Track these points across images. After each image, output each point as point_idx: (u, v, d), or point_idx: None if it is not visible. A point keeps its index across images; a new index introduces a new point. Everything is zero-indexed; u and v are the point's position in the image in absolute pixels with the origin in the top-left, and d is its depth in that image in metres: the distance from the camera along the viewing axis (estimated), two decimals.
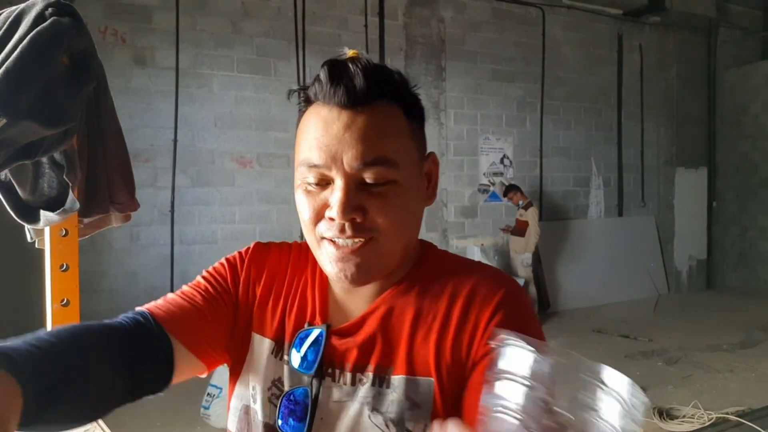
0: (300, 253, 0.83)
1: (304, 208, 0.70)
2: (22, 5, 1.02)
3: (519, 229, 6.28)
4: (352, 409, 0.70)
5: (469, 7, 6.70)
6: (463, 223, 6.71)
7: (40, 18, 0.99)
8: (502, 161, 6.95)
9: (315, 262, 0.79)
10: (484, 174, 6.84)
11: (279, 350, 0.77)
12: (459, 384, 0.67)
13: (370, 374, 0.70)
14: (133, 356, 0.72)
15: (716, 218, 8.50)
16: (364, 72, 0.67)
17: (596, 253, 7.34)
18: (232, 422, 0.80)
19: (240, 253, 0.84)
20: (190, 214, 5.34)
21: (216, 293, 0.81)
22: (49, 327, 1.24)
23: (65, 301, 1.24)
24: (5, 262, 3.71)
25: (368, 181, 0.67)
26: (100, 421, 1.16)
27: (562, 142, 7.34)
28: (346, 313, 0.76)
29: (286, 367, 0.75)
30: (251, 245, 0.85)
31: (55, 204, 1.12)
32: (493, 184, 6.88)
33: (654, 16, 7.65)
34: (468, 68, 6.64)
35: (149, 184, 5.08)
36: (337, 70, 0.68)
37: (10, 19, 1.00)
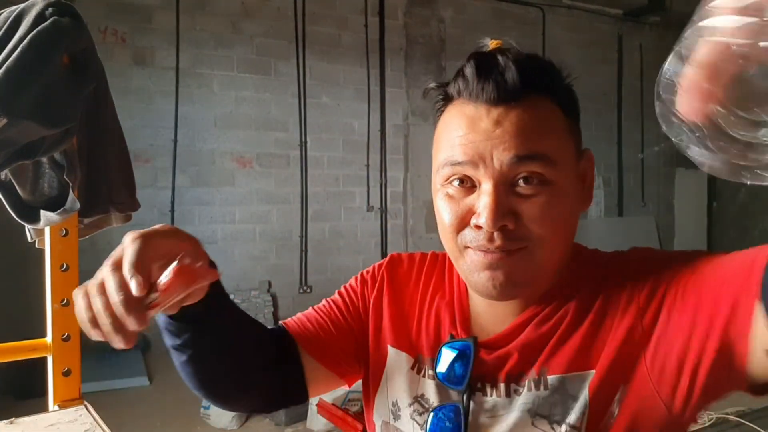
0: (435, 263, 0.80)
1: (446, 214, 0.63)
2: (22, 5, 1.02)
3: None
4: (511, 419, 0.65)
5: (469, 7, 6.70)
6: None
7: (40, 18, 0.99)
8: None
9: (452, 273, 0.76)
10: None
11: (419, 365, 0.73)
12: (623, 371, 0.60)
13: (525, 382, 0.66)
14: (278, 358, 0.75)
15: (716, 218, 8.50)
16: (516, 64, 0.61)
17: None
18: None
19: (375, 266, 0.84)
20: (190, 214, 5.34)
21: (346, 307, 0.81)
22: (49, 327, 1.24)
23: (65, 301, 1.24)
24: (5, 262, 3.71)
25: (521, 182, 0.60)
26: (100, 421, 1.16)
27: None
28: (490, 325, 0.71)
29: (431, 383, 0.71)
30: (387, 258, 0.84)
31: (55, 204, 1.12)
32: None
33: (654, 16, 7.65)
34: None
35: (149, 184, 5.08)
36: (485, 64, 0.62)
37: (10, 19, 1.00)
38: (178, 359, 0.71)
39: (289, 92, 5.69)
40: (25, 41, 0.95)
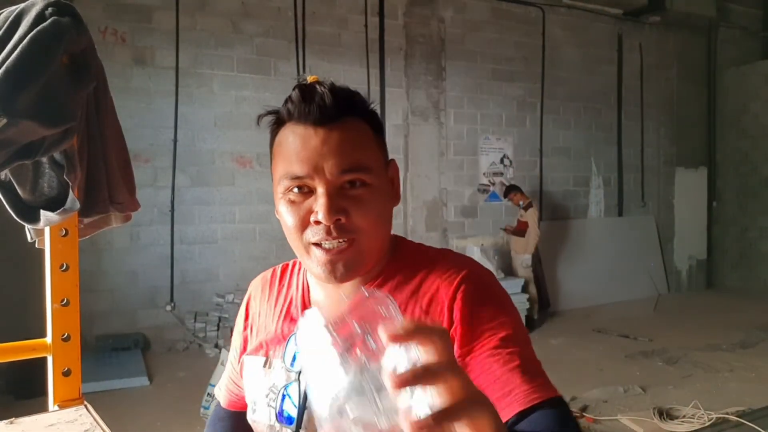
0: (286, 269, 0.94)
1: (289, 217, 0.76)
2: (22, 5, 1.02)
3: (519, 230, 6.28)
4: None
5: (469, 7, 6.70)
6: (463, 222, 6.71)
7: (40, 18, 0.99)
8: (502, 161, 6.95)
9: (293, 276, 0.90)
10: (484, 174, 6.84)
11: (269, 361, 0.84)
12: None
13: None
14: None
15: (716, 218, 8.50)
16: (331, 92, 0.75)
17: (596, 253, 7.34)
18: None
19: (240, 310, 0.97)
20: (190, 214, 5.34)
21: (237, 349, 0.95)
22: (49, 327, 1.24)
23: (65, 301, 1.24)
24: (5, 262, 3.71)
25: (348, 186, 0.74)
26: (100, 421, 1.16)
27: (562, 142, 7.34)
28: (329, 310, 0.79)
29: (280, 372, 0.82)
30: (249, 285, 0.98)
31: (55, 204, 1.12)
32: (493, 184, 6.88)
33: (654, 16, 7.64)
34: (468, 68, 6.64)
35: (149, 184, 5.08)
36: (307, 91, 0.76)
37: (10, 19, 1.00)
38: None
39: (289, 92, 5.68)
40: (25, 41, 0.95)
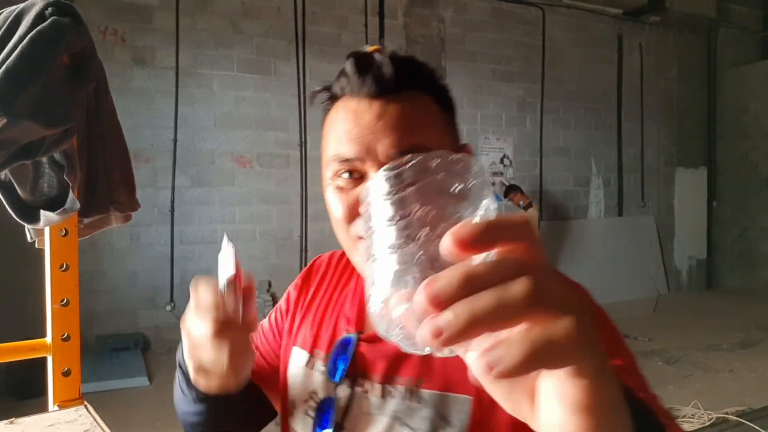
0: (340, 262, 0.83)
1: (336, 206, 0.65)
2: (21, 5, 1.02)
3: None
4: (381, 423, 0.65)
5: (469, 7, 6.70)
6: None
7: (40, 18, 0.99)
8: (502, 161, 6.95)
9: (352, 271, 0.79)
10: None
11: (312, 360, 0.75)
12: None
13: (400, 387, 0.65)
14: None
15: (716, 218, 8.50)
16: (391, 61, 0.64)
17: (596, 253, 7.33)
18: None
19: (295, 282, 0.88)
20: (190, 214, 5.34)
21: (272, 328, 0.87)
22: (49, 327, 1.24)
23: (65, 301, 1.24)
24: (5, 262, 3.71)
25: None
26: (100, 421, 1.16)
27: (562, 142, 7.33)
28: None
29: (320, 378, 0.72)
30: (309, 263, 0.88)
31: (55, 204, 1.12)
32: (493, 184, 6.88)
33: (654, 16, 7.64)
34: (468, 68, 6.64)
35: (149, 184, 5.08)
36: (363, 61, 0.66)
37: (9, 19, 1.00)
38: (188, 418, 0.77)
39: (289, 92, 5.69)
40: (25, 41, 0.95)
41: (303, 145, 5.72)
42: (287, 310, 0.85)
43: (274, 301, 5.57)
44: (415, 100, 0.64)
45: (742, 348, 5.25)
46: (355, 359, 0.68)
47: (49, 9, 0.99)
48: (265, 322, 0.87)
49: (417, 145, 0.61)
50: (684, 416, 3.47)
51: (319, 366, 0.73)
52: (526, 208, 6.21)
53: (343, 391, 0.68)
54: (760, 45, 8.73)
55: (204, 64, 5.37)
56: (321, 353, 0.74)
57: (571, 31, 7.30)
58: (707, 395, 3.92)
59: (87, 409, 1.22)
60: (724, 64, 8.32)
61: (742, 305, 7.05)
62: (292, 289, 0.86)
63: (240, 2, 5.51)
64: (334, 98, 0.69)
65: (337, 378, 0.69)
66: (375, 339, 0.68)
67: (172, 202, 5.24)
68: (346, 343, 0.70)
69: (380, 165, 0.60)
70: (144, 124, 5.08)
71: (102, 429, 1.12)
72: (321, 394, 0.71)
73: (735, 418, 3.27)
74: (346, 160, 0.63)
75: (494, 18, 6.85)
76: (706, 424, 3.32)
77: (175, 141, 5.23)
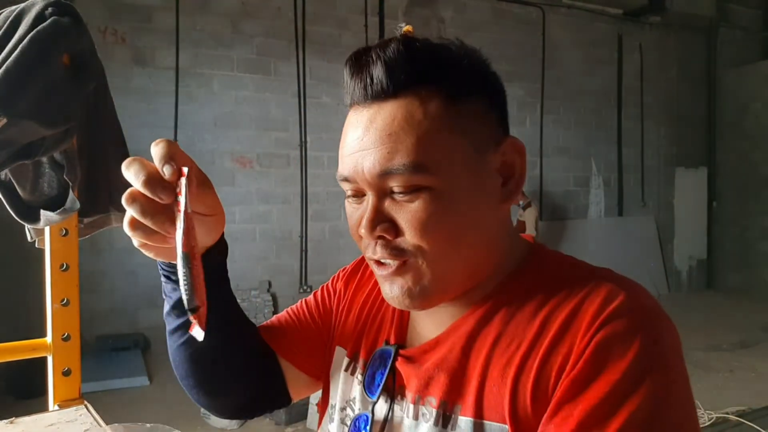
0: None
1: (349, 223, 0.61)
2: (22, 5, 1.02)
3: (519, 230, 6.29)
4: None
5: (469, 7, 6.70)
6: None
7: (40, 18, 0.99)
8: None
9: None
10: None
11: (353, 365, 0.70)
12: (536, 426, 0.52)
13: (433, 410, 0.58)
14: (261, 358, 0.75)
15: (716, 218, 8.50)
16: (387, 58, 0.55)
17: (596, 253, 7.33)
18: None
19: (352, 264, 0.82)
20: None
21: (317, 308, 0.79)
22: (49, 327, 1.24)
23: (65, 301, 1.24)
24: (5, 262, 3.71)
25: (396, 191, 0.55)
26: (101, 421, 1.16)
27: (562, 142, 7.33)
28: (424, 333, 0.65)
29: (358, 387, 0.68)
30: (360, 256, 0.79)
31: (55, 204, 1.12)
32: None
33: (654, 16, 7.64)
34: None
35: None
36: (357, 62, 0.58)
37: (9, 19, 1.00)
38: (176, 341, 0.71)
39: (289, 92, 5.69)
40: (25, 41, 0.95)
41: (303, 145, 5.73)
42: (334, 293, 0.80)
43: (275, 301, 5.58)
44: (411, 103, 0.54)
45: (742, 348, 5.25)
46: (393, 374, 0.64)
47: (49, 9, 0.99)
48: (311, 298, 0.82)
49: (397, 167, 0.53)
50: None
51: (358, 375, 0.68)
52: (525, 208, 6.22)
53: (379, 410, 0.64)
54: (760, 45, 8.73)
55: (204, 64, 5.37)
56: (360, 360, 0.69)
57: (571, 31, 7.30)
58: (707, 395, 3.92)
59: (87, 408, 1.22)
60: (724, 64, 8.32)
61: (742, 305, 7.05)
62: (341, 278, 0.81)
63: (240, 2, 5.51)
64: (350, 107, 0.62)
65: (375, 395, 0.64)
66: (413, 356, 0.64)
67: None
68: (385, 355, 0.65)
69: (370, 186, 0.56)
70: (144, 124, 5.08)
71: (102, 429, 1.12)
72: (357, 407, 0.67)
73: (735, 418, 3.27)
74: (345, 180, 0.58)
75: (494, 18, 6.85)
76: (706, 424, 3.31)
77: (175, 141, 5.23)
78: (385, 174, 0.54)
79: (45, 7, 1.00)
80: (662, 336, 0.50)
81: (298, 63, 5.68)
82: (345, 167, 0.58)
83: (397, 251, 0.56)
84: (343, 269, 0.82)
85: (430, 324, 0.64)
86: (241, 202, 5.54)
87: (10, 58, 0.94)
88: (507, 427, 0.52)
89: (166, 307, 0.68)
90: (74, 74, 1.05)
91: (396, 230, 0.56)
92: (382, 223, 0.56)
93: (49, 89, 0.99)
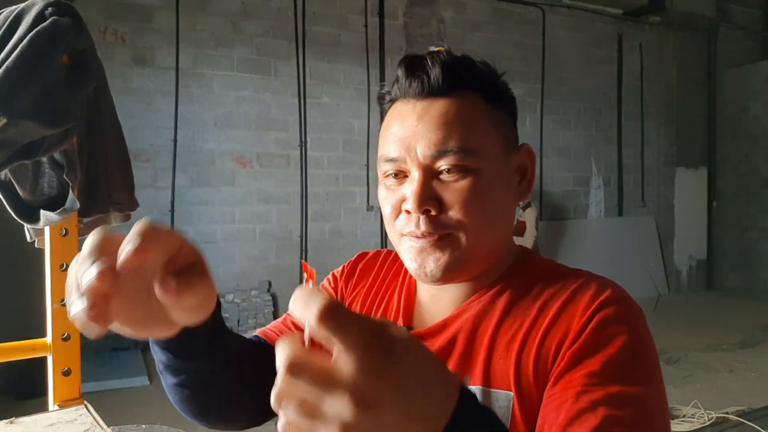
0: (388, 258, 0.84)
1: (384, 203, 0.68)
2: (22, 5, 1.02)
3: (518, 230, 6.28)
4: None
5: (469, 7, 6.70)
6: None
7: (40, 18, 0.99)
8: None
9: (399, 269, 0.80)
10: None
11: None
12: (539, 396, 0.60)
13: None
14: (263, 373, 0.73)
15: (716, 218, 8.50)
16: (441, 62, 0.66)
17: (596, 253, 7.33)
18: None
19: (344, 265, 0.86)
20: (190, 214, 5.34)
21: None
22: (49, 327, 1.24)
23: (65, 301, 1.24)
24: (5, 262, 3.71)
25: (445, 171, 0.64)
26: (100, 421, 1.16)
27: (562, 142, 7.33)
28: (430, 317, 0.72)
29: None
30: (355, 255, 0.87)
31: (55, 204, 1.12)
32: None
33: (654, 16, 7.64)
34: None
35: (149, 184, 5.08)
36: (414, 63, 0.67)
37: (9, 19, 1.00)
38: (176, 393, 0.69)
39: (289, 92, 5.69)
40: (25, 41, 0.95)
41: (303, 145, 5.73)
42: (335, 293, 0.83)
43: (275, 301, 5.58)
44: (462, 100, 0.66)
45: (742, 348, 5.25)
46: None
47: (49, 9, 1.00)
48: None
49: (456, 145, 0.63)
50: (684, 416, 3.47)
51: None
52: (525, 208, 6.21)
53: None
54: (760, 45, 8.73)
55: (204, 64, 5.37)
56: None
57: (571, 31, 7.30)
58: (707, 395, 3.92)
59: (87, 408, 1.22)
60: (724, 64, 8.32)
61: (742, 305, 7.05)
62: (341, 278, 0.84)
63: (240, 2, 5.51)
64: (393, 100, 0.71)
65: None
66: (423, 335, 0.69)
67: (172, 202, 5.24)
68: None
69: (420, 165, 0.64)
70: (144, 124, 5.08)
71: (102, 429, 1.12)
72: None
73: (735, 418, 3.27)
74: (391, 160, 0.66)
75: (494, 18, 6.85)
76: (706, 424, 3.31)
77: (175, 141, 5.23)
78: (439, 155, 0.63)
79: (45, 7, 1.00)
80: (643, 322, 0.65)
81: (298, 63, 5.68)
82: (393, 149, 0.66)
83: (440, 225, 0.64)
84: (337, 272, 0.85)
85: (437, 308, 0.71)
86: (241, 202, 5.54)
87: (10, 58, 0.94)
88: (512, 393, 0.61)
89: (159, 366, 0.66)
90: (74, 74, 1.05)
91: (440, 206, 0.64)
92: (429, 200, 0.64)
93: (49, 89, 0.99)
